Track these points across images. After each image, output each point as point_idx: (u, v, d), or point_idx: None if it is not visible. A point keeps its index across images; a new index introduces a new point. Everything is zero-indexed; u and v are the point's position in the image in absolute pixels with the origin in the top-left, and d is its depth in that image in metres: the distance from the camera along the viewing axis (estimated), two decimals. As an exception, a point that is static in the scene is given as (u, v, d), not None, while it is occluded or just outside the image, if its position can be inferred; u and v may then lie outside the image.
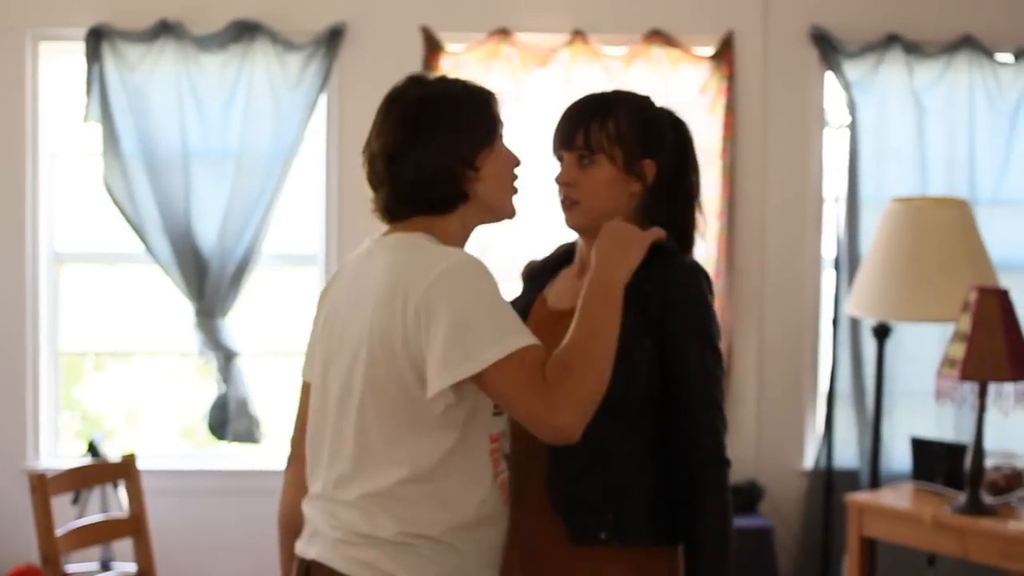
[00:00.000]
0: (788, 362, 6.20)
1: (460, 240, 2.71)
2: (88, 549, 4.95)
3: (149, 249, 5.92)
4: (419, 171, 2.63)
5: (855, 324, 6.03)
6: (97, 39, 5.85)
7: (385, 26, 6.01)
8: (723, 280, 5.98)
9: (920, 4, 6.15)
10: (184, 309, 6.00)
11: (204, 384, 6.26)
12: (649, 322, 2.70)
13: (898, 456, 5.96)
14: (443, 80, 2.75)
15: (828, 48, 6.05)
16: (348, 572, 2.59)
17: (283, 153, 5.92)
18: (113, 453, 5.64)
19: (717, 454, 2.70)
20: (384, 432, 2.58)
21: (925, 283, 5.22)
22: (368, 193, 2.74)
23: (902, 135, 6.09)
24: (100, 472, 4.95)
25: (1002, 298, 4.71)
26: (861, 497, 5.19)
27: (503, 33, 5.96)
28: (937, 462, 5.15)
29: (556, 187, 2.86)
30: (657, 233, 2.72)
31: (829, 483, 5.92)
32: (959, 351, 4.69)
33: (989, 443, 4.90)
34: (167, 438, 6.53)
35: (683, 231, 2.87)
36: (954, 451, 5.10)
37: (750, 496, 5.95)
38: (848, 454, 6.11)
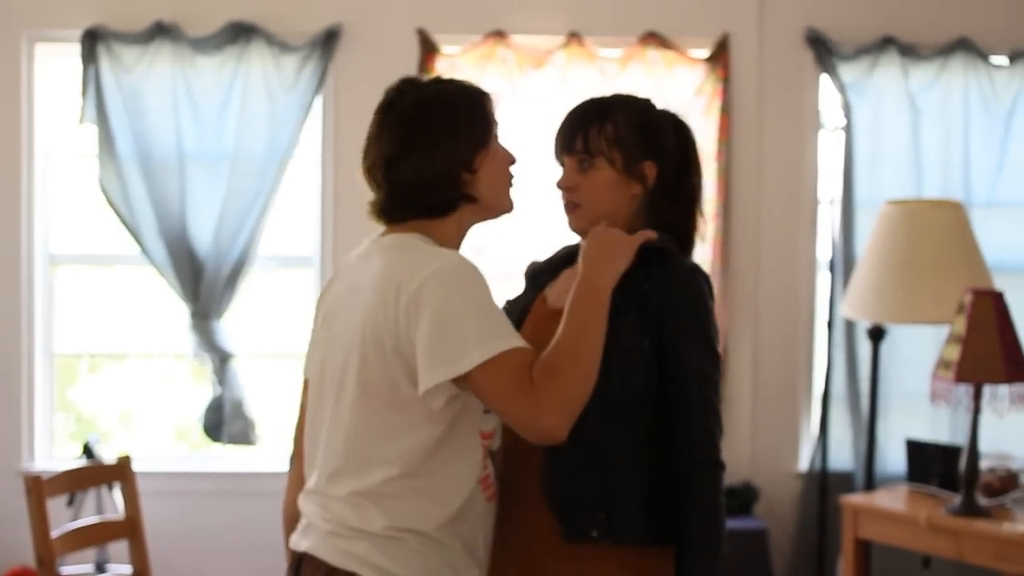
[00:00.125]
0: (783, 364, 6.21)
1: (456, 241, 2.75)
2: (83, 551, 4.95)
3: (144, 251, 5.91)
4: (418, 177, 2.66)
5: (850, 326, 6.04)
6: (93, 41, 5.85)
7: (381, 28, 6.01)
8: (718, 282, 5.98)
9: (915, 7, 6.15)
10: (179, 311, 6.00)
11: (199, 386, 6.26)
12: (648, 323, 2.71)
13: (893, 458, 5.96)
14: (437, 82, 2.77)
15: (823, 50, 6.06)
16: (338, 564, 2.63)
17: (279, 155, 5.92)
18: (108, 455, 5.64)
19: (712, 456, 2.71)
20: (375, 428, 2.62)
21: (920, 285, 5.23)
22: (364, 196, 2.76)
23: (897, 137, 6.10)
24: (96, 474, 4.95)
25: (997, 300, 4.72)
26: (856, 499, 5.20)
27: (499, 35, 5.96)
28: (932, 464, 5.16)
29: (558, 192, 2.87)
30: (644, 236, 2.74)
31: (824, 485, 5.93)
32: (954, 353, 4.70)
33: (984, 445, 4.92)
34: (162, 440, 6.52)
35: (684, 233, 2.89)
36: (949, 453, 5.11)
37: (745, 498, 5.95)
38: (843, 456, 6.12)
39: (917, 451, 5.27)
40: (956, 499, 4.85)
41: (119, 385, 6.61)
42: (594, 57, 5.97)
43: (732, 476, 5.98)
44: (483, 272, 2.63)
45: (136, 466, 4.89)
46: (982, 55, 6.08)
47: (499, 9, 6.02)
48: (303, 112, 5.93)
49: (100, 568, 5.59)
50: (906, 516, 4.93)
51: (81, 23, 5.87)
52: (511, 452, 2.78)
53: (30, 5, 5.98)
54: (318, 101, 6.01)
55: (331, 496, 2.66)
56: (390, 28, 6.00)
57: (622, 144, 2.81)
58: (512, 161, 2.79)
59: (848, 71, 6.06)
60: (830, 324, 6.02)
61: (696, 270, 2.77)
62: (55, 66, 6.14)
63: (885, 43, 6.05)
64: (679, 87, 6.00)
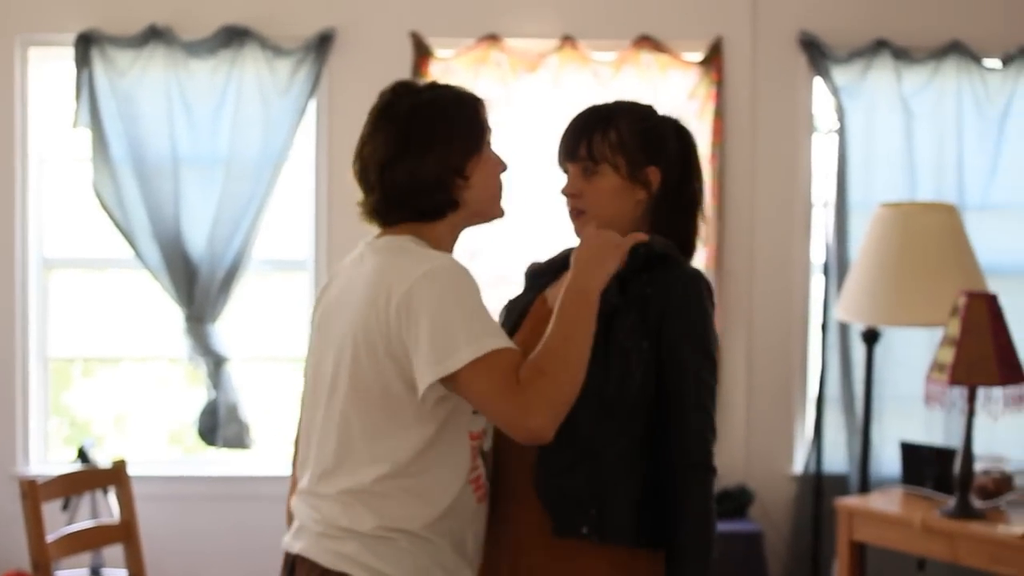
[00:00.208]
0: (777, 367, 6.21)
1: (449, 243, 2.78)
2: (78, 555, 4.95)
3: (138, 255, 5.91)
4: (410, 181, 2.70)
5: (844, 329, 6.04)
6: (86, 44, 5.84)
7: (374, 32, 6.01)
8: (712, 284, 5.98)
9: (908, 10, 6.16)
10: (174, 315, 5.99)
11: (193, 390, 6.26)
12: (648, 325, 2.73)
13: (887, 460, 5.97)
14: (432, 87, 2.80)
15: (817, 54, 6.07)
16: (330, 565, 2.65)
17: (272, 158, 5.92)
18: (103, 459, 5.64)
19: (704, 461, 2.73)
20: (365, 428, 2.65)
21: (914, 288, 5.24)
22: (357, 196, 2.78)
23: (890, 140, 6.10)
24: (91, 478, 4.95)
25: (991, 303, 4.73)
26: (851, 501, 5.21)
27: (492, 39, 5.96)
28: (926, 466, 5.16)
29: (563, 198, 2.90)
30: (634, 239, 2.75)
31: (819, 487, 5.94)
32: (948, 355, 4.71)
33: (978, 447, 4.93)
34: (156, 444, 6.52)
35: (685, 238, 2.91)
36: (943, 455, 5.12)
37: (740, 501, 5.96)
38: (837, 458, 6.12)
39: (911, 453, 5.27)
40: (951, 501, 4.86)
41: (113, 389, 6.61)
42: (588, 60, 5.98)
43: (727, 479, 5.99)
44: (475, 275, 2.65)
45: (131, 470, 4.88)
46: (975, 58, 6.09)
47: (493, 12, 6.03)
48: (297, 116, 5.93)
49: (95, 572, 5.58)
50: (901, 518, 4.94)
51: (74, 27, 5.86)
52: (504, 450, 2.80)
53: (23, 9, 5.97)
54: (312, 105, 6.01)
55: (321, 496, 2.69)
56: (384, 32, 6.00)
57: (626, 150, 2.83)
58: (504, 168, 2.81)
59: (841, 74, 6.07)
60: (824, 327, 6.02)
61: (698, 276, 2.80)
62: (49, 70, 6.13)
63: (878, 46, 6.06)
64: (673, 90, 6.01)
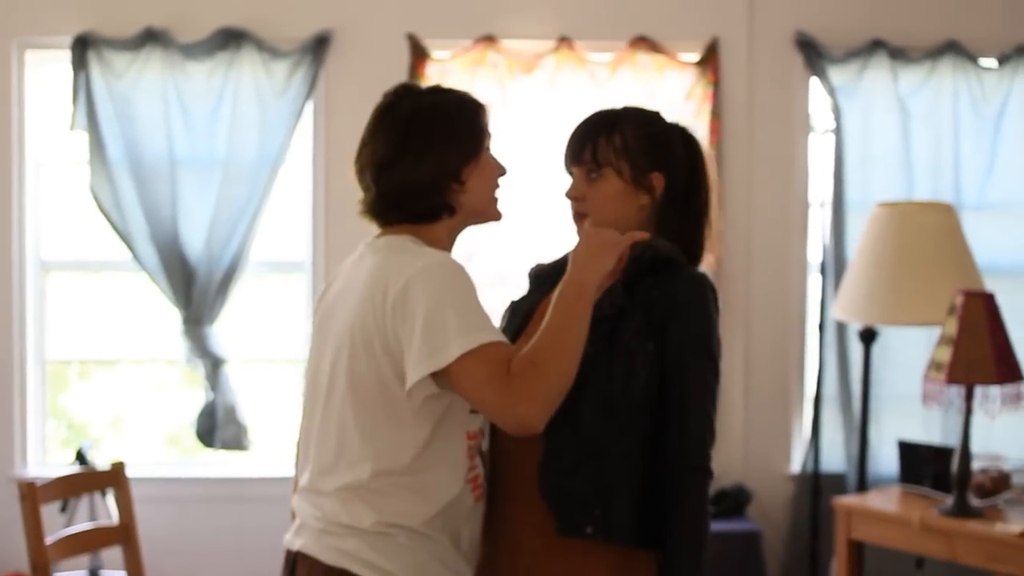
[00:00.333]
0: (775, 366, 6.22)
1: (447, 244, 2.80)
2: (77, 558, 4.94)
3: (136, 257, 5.91)
4: (407, 183, 2.72)
5: (841, 328, 6.05)
6: (83, 47, 5.85)
7: (371, 33, 6.01)
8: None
9: (904, 10, 6.17)
10: (171, 316, 5.99)
11: (190, 392, 6.26)
12: (653, 327, 2.74)
13: (885, 459, 5.97)
14: (434, 91, 2.83)
15: (813, 54, 6.07)
16: (331, 562, 2.68)
17: (270, 160, 5.92)
18: (100, 461, 5.64)
19: (702, 464, 2.75)
20: (362, 425, 2.67)
21: (911, 287, 5.24)
22: (355, 200, 2.81)
23: (887, 140, 6.11)
24: (89, 480, 4.94)
25: (988, 302, 4.73)
26: (849, 500, 5.21)
27: (489, 40, 5.96)
28: (924, 465, 5.17)
29: (567, 201, 2.92)
30: (634, 237, 2.75)
31: (816, 487, 5.95)
32: (945, 355, 4.72)
33: (976, 446, 4.93)
34: (153, 446, 6.52)
35: (691, 244, 2.93)
36: (941, 454, 5.12)
37: (737, 500, 5.96)
38: (835, 458, 6.13)
39: (909, 452, 5.28)
40: (948, 500, 4.87)
41: (110, 391, 6.60)
42: (584, 62, 5.98)
43: (724, 478, 6.00)
44: (472, 276, 2.67)
45: (129, 472, 4.88)
46: (971, 58, 6.10)
47: (489, 14, 6.03)
48: (294, 117, 5.93)
49: (94, 574, 5.58)
50: (899, 517, 4.94)
51: (71, 30, 5.86)
52: (503, 451, 2.82)
53: (20, 12, 5.97)
54: (309, 106, 6.01)
55: (321, 493, 2.71)
56: (380, 33, 6.00)
57: (630, 155, 2.85)
58: (503, 173, 2.83)
59: (838, 74, 6.08)
60: (821, 326, 6.03)
61: (703, 279, 2.81)
62: (45, 73, 6.13)
63: (874, 46, 6.07)
64: (669, 91, 6.01)
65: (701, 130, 6.01)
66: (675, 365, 2.74)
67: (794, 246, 6.21)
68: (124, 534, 4.74)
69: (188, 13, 5.93)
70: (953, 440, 5.48)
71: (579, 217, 2.89)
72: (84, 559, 5.54)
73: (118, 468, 4.81)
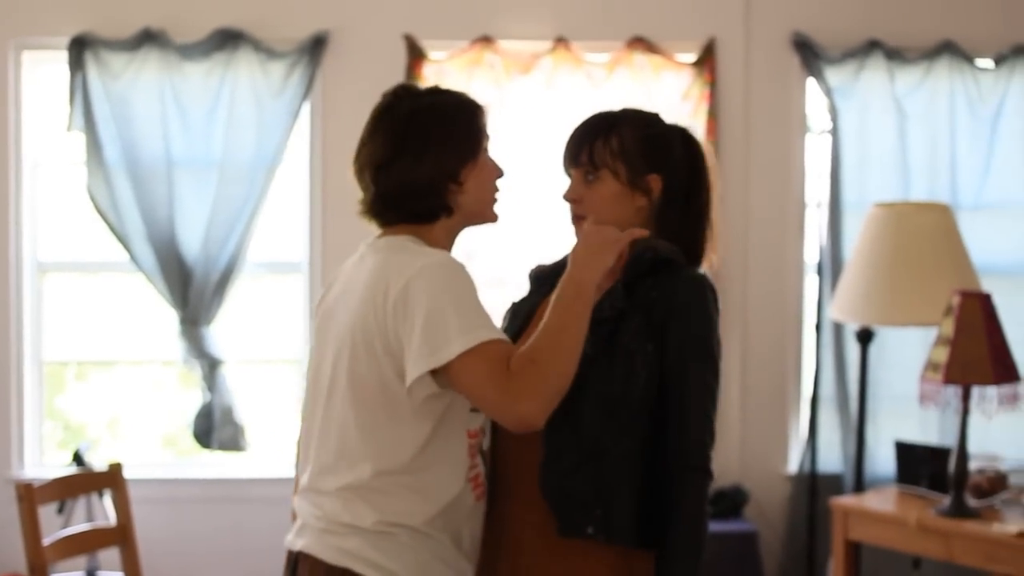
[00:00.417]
0: (772, 367, 6.22)
1: (446, 245, 2.82)
2: (74, 559, 4.94)
3: (133, 258, 5.91)
4: (405, 184, 2.74)
5: (838, 329, 6.05)
6: (80, 48, 5.84)
7: (368, 34, 6.01)
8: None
9: (901, 10, 6.18)
10: (168, 317, 5.99)
11: (187, 392, 6.26)
12: (653, 328, 2.75)
13: (882, 460, 5.98)
14: (433, 92, 2.84)
15: (809, 54, 6.08)
16: (333, 561, 2.68)
17: (266, 161, 5.92)
18: (97, 463, 5.64)
19: (701, 465, 2.76)
20: (363, 425, 2.68)
21: (908, 288, 5.25)
22: (352, 201, 2.82)
23: (884, 140, 6.12)
24: (87, 481, 4.94)
25: (984, 302, 4.74)
26: (846, 501, 5.22)
27: (486, 40, 5.96)
28: (921, 465, 5.18)
29: (565, 202, 2.93)
30: (633, 234, 2.76)
31: (813, 487, 5.95)
32: (942, 355, 4.72)
33: (972, 446, 4.93)
34: (150, 447, 6.52)
35: (691, 245, 2.93)
36: (938, 454, 5.13)
37: (735, 500, 5.96)
38: (832, 458, 6.13)
39: (906, 453, 5.28)
40: (945, 500, 4.87)
41: (107, 392, 6.60)
42: (581, 62, 5.98)
43: (721, 479, 6.00)
44: (471, 275, 2.68)
45: (126, 473, 4.88)
46: (967, 58, 6.11)
47: (486, 14, 6.03)
48: (291, 118, 5.93)
49: (91, 575, 5.58)
50: (896, 517, 4.95)
51: (68, 31, 5.86)
52: (504, 450, 2.82)
53: (17, 13, 5.97)
54: (306, 107, 6.01)
55: (322, 492, 2.72)
56: (377, 34, 6.00)
57: (626, 157, 2.86)
58: (500, 175, 2.85)
59: (834, 74, 6.08)
60: (818, 327, 6.04)
61: (703, 280, 2.82)
62: (42, 74, 6.13)
63: (871, 46, 6.07)
64: (666, 91, 6.01)
65: (698, 131, 5.92)
66: (675, 366, 2.75)
67: (791, 246, 6.21)
68: (122, 535, 4.74)
69: (185, 14, 5.93)
70: (950, 440, 5.49)
71: (577, 219, 2.90)
72: (81, 560, 5.55)
73: (115, 469, 4.81)
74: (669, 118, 3.01)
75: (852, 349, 5.95)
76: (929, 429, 6.05)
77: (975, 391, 4.76)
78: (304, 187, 6.10)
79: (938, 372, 4.71)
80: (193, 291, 5.92)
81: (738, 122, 6.12)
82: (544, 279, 3.02)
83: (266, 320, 6.34)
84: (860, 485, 5.68)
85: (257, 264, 6.08)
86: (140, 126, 5.89)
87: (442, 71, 5.93)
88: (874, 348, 5.80)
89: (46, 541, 4.43)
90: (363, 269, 2.74)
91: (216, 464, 6.23)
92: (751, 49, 6.14)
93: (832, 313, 5.60)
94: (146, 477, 5.98)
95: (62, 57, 5.88)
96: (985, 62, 6.17)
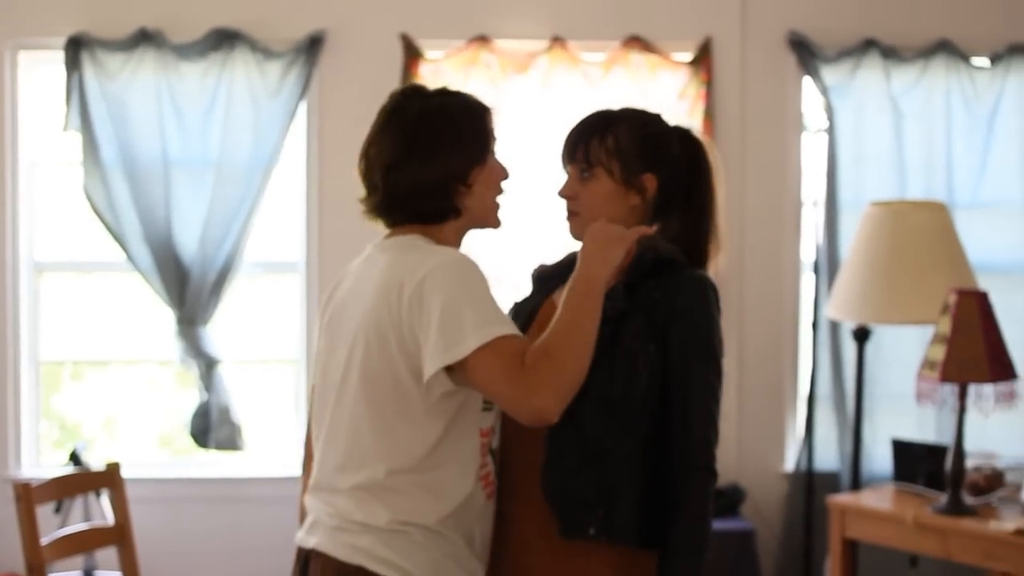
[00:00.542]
0: (768, 365, 6.22)
1: (455, 245, 2.84)
2: (71, 558, 4.94)
3: (130, 257, 5.91)
4: (413, 185, 2.74)
5: (835, 327, 6.06)
6: (76, 48, 5.84)
7: (364, 34, 6.01)
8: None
9: (897, 9, 6.18)
10: (165, 317, 5.99)
11: (183, 392, 6.26)
12: (655, 328, 2.76)
13: (879, 458, 5.98)
14: (442, 93, 2.85)
15: (806, 53, 6.08)
16: (346, 559, 2.68)
17: (263, 161, 5.92)
18: (94, 462, 5.64)
19: (706, 464, 2.77)
20: (376, 423, 2.68)
21: (904, 286, 5.25)
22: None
23: (880, 139, 6.12)
24: (84, 481, 4.95)
25: (981, 300, 4.74)
26: (843, 499, 5.22)
27: (482, 40, 5.97)
28: (918, 463, 5.18)
29: (560, 200, 2.94)
30: (641, 231, 2.78)
31: (810, 485, 5.95)
32: (939, 353, 4.72)
33: (969, 444, 4.93)
34: (146, 447, 6.52)
35: (692, 246, 2.93)
36: (935, 452, 5.13)
37: (732, 499, 5.97)
38: (829, 456, 6.14)
39: (903, 451, 5.29)
40: (942, 498, 4.87)
41: (102, 392, 6.60)
42: (577, 61, 5.99)
43: (719, 478, 5.99)
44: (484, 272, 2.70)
45: (123, 473, 4.88)
46: (963, 57, 6.11)
47: (483, 14, 6.03)
48: (287, 118, 5.93)
49: (88, 575, 5.58)
50: (893, 515, 4.95)
51: (64, 31, 5.86)
52: (508, 449, 2.83)
53: (13, 14, 5.97)
54: (302, 107, 6.01)
55: (335, 491, 2.73)
56: (374, 34, 6.00)
57: (621, 155, 2.87)
58: (506, 176, 2.86)
59: (830, 73, 6.09)
60: (815, 325, 6.04)
61: (704, 280, 2.84)
62: (39, 74, 6.13)
63: (867, 45, 6.08)
64: (662, 91, 6.02)
65: (694, 130, 6.00)
66: (678, 366, 2.76)
67: (787, 245, 6.22)
68: (119, 534, 4.75)
69: (181, 14, 5.93)
70: (947, 438, 5.49)
71: (572, 216, 2.91)
72: (78, 560, 5.54)
73: (113, 469, 4.82)
74: (666, 117, 3.01)
75: (849, 347, 5.96)
76: (926, 427, 6.06)
77: (972, 389, 4.76)
78: (301, 187, 6.11)
79: (935, 370, 4.72)
80: (190, 291, 5.92)
81: (734, 121, 6.13)
82: (547, 279, 3.03)
83: (263, 320, 6.34)
84: (857, 483, 5.68)
85: (254, 264, 6.08)
86: (136, 126, 5.88)
87: (438, 70, 5.94)
88: (871, 346, 5.80)
89: (44, 541, 4.44)
90: (374, 268, 2.74)
91: (213, 464, 6.23)
92: (747, 48, 6.15)
93: (829, 311, 5.61)
94: (143, 477, 5.98)
95: (58, 57, 5.88)
96: (981, 61, 6.17)
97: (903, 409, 5.91)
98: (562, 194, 2.92)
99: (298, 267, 6.16)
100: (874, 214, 5.39)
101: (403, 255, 2.70)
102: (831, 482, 6.07)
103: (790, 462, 6.23)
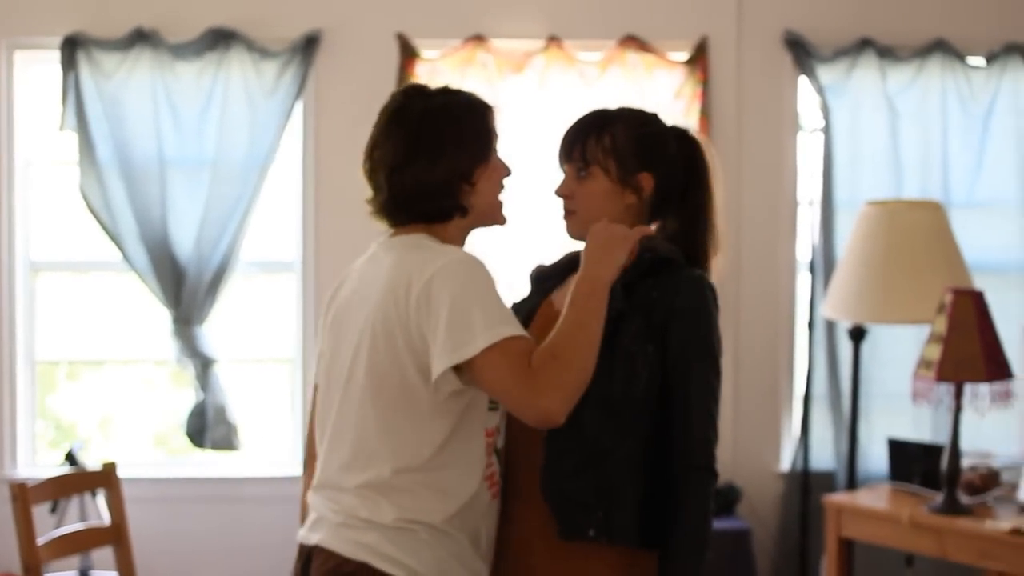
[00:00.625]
0: (764, 365, 6.22)
1: (460, 243, 2.84)
2: (68, 558, 4.94)
3: (126, 257, 5.90)
4: (418, 185, 2.75)
5: (831, 326, 6.06)
6: (72, 48, 5.84)
7: (360, 33, 6.01)
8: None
9: (893, 9, 6.19)
10: (161, 317, 5.99)
11: (179, 392, 6.25)
12: (653, 329, 2.77)
13: (875, 457, 5.98)
14: (445, 92, 2.85)
15: (802, 53, 6.08)
16: (349, 555, 2.68)
17: (259, 160, 5.92)
18: (90, 462, 5.63)
19: (706, 464, 2.78)
20: (383, 421, 2.69)
21: (900, 285, 5.26)
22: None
23: (876, 138, 6.12)
24: (81, 481, 4.94)
25: (977, 300, 4.75)
26: (839, 498, 5.23)
27: (478, 39, 5.96)
28: (914, 463, 5.18)
29: (558, 199, 2.94)
30: (643, 231, 2.78)
31: (806, 485, 5.96)
32: (935, 352, 4.73)
33: (965, 443, 4.94)
34: (142, 446, 6.51)
35: (689, 245, 2.93)
36: (930, 452, 5.13)
37: (727, 498, 5.97)
38: (825, 456, 6.14)
39: (899, 450, 5.29)
40: (938, 497, 4.88)
41: (97, 392, 6.60)
42: (574, 61, 5.99)
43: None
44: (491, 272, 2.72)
45: (118, 472, 4.88)
46: (959, 56, 6.11)
47: (479, 13, 6.03)
48: (283, 117, 5.93)
49: (84, 575, 5.58)
50: (889, 515, 4.95)
51: (60, 30, 5.85)
52: (510, 450, 2.84)
53: (9, 13, 5.96)
54: (298, 106, 6.01)
55: (341, 489, 2.73)
56: (370, 33, 6.00)
57: (618, 154, 2.87)
58: (508, 173, 2.87)
59: (826, 73, 6.09)
60: (811, 324, 6.04)
61: (702, 280, 2.84)
62: (35, 73, 6.12)
63: (863, 45, 6.08)
64: (659, 90, 6.02)
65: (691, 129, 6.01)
66: (677, 366, 2.77)
67: (783, 245, 6.22)
68: (116, 534, 4.74)
69: (177, 13, 5.93)
70: (942, 438, 5.50)
71: (568, 215, 2.91)
72: (74, 560, 5.54)
73: (110, 469, 4.81)
74: (663, 117, 3.02)
75: (845, 347, 5.96)
76: (922, 426, 6.06)
77: (968, 388, 4.77)
78: (297, 186, 6.10)
79: (931, 369, 4.72)
80: (186, 290, 5.92)
81: (730, 120, 6.13)
82: (544, 279, 3.03)
83: (259, 319, 6.34)
84: (853, 482, 5.69)
85: (250, 263, 6.08)
86: (133, 125, 5.88)
87: (435, 70, 5.93)
88: (867, 346, 5.80)
89: (40, 541, 4.43)
90: (379, 267, 2.75)
91: (209, 463, 6.22)
92: (743, 47, 6.15)
93: (825, 311, 5.61)
94: (139, 476, 5.97)
95: (54, 57, 5.87)
96: (977, 60, 6.18)
97: (899, 408, 5.91)
98: (559, 193, 2.92)
99: (294, 266, 6.16)
100: (870, 213, 5.40)
101: (410, 253, 2.70)
102: (827, 481, 6.08)
103: (786, 461, 6.23)
